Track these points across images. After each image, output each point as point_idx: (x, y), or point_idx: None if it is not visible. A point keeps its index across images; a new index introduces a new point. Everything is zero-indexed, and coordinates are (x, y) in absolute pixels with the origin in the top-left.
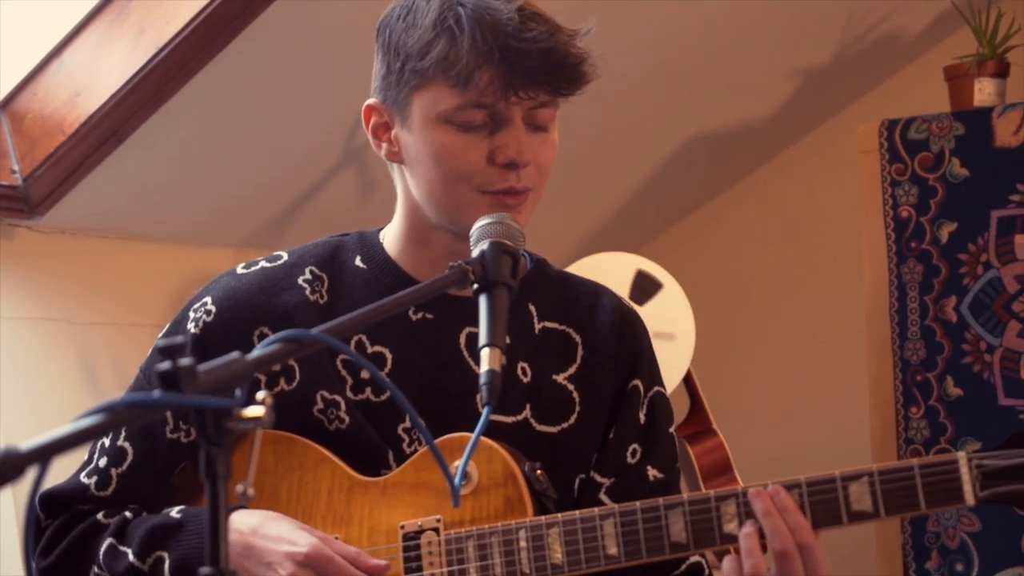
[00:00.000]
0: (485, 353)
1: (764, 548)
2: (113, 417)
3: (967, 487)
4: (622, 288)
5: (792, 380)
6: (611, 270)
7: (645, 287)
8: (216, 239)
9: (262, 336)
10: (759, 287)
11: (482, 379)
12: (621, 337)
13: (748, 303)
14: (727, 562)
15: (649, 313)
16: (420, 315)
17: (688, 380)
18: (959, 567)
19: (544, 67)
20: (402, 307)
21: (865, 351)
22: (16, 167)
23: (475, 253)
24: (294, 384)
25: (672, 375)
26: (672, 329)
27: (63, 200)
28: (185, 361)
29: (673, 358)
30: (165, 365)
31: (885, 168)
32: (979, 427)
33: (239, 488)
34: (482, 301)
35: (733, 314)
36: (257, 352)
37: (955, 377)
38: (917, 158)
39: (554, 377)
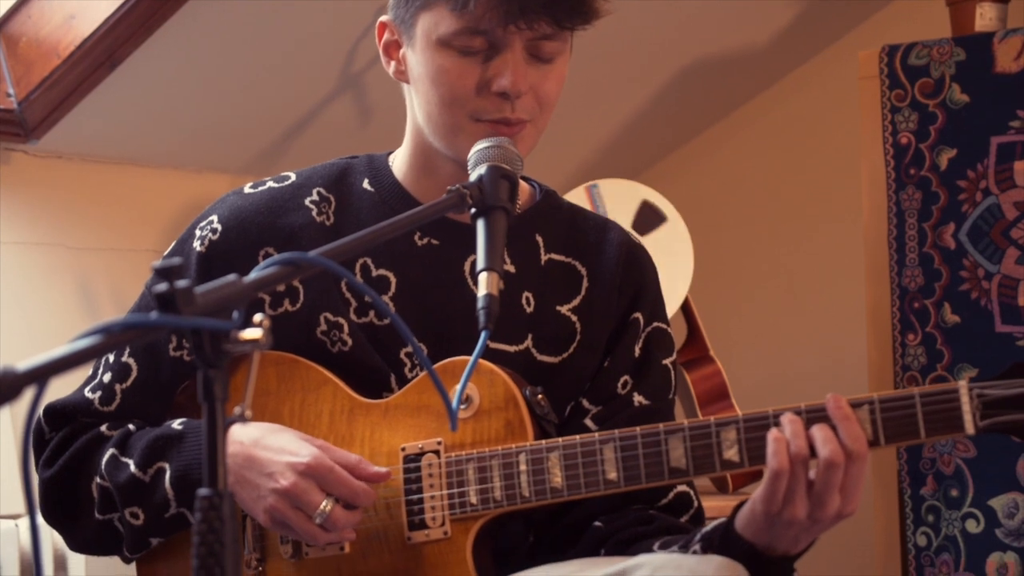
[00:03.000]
0: (483, 277)
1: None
2: (110, 338)
3: (967, 416)
4: (625, 216)
5: (790, 307)
6: (616, 197)
7: (649, 219)
8: (213, 164)
9: (267, 256)
10: (758, 214)
11: (479, 303)
12: (627, 271)
13: (746, 230)
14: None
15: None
16: (426, 240)
17: (686, 307)
18: (954, 493)
19: None
20: (400, 230)
21: (863, 278)
22: (11, 91)
23: (473, 177)
24: (298, 305)
25: (670, 300)
26: (669, 259)
27: (59, 124)
28: (182, 283)
29: (671, 284)
30: (162, 287)
31: (885, 94)
32: (976, 354)
33: (236, 410)
34: (479, 225)
35: (731, 241)
36: (254, 274)
37: (952, 304)
38: (917, 84)
39: (558, 308)
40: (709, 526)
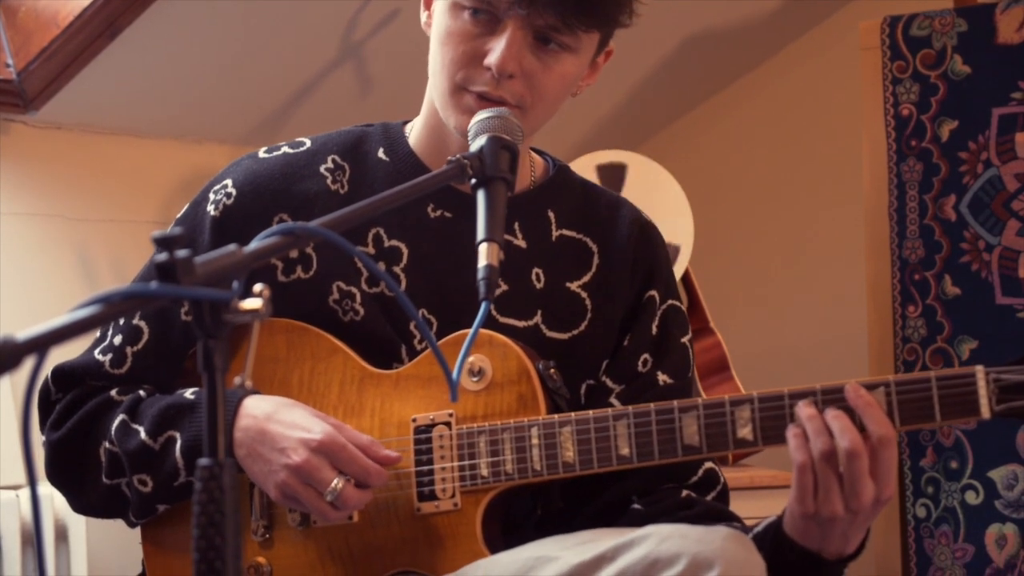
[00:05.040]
0: (483, 248)
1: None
2: (110, 308)
3: (983, 400)
4: None
5: (790, 278)
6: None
7: (612, 176)
8: (213, 135)
9: (281, 223)
10: (758, 186)
11: (479, 274)
12: (639, 248)
13: (747, 202)
14: (793, 442)
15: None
16: (439, 213)
17: (686, 278)
18: (954, 464)
19: None
20: (402, 200)
21: (864, 250)
22: (10, 61)
23: (473, 147)
24: (311, 273)
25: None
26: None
27: (58, 95)
28: (182, 252)
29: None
30: (162, 257)
31: (886, 66)
32: (976, 326)
33: (237, 380)
34: (480, 196)
35: (732, 213)
36: (254, 244)
37: (953, 276)
38: (919, 55)
39: (568, 284)
40: (760, 526)
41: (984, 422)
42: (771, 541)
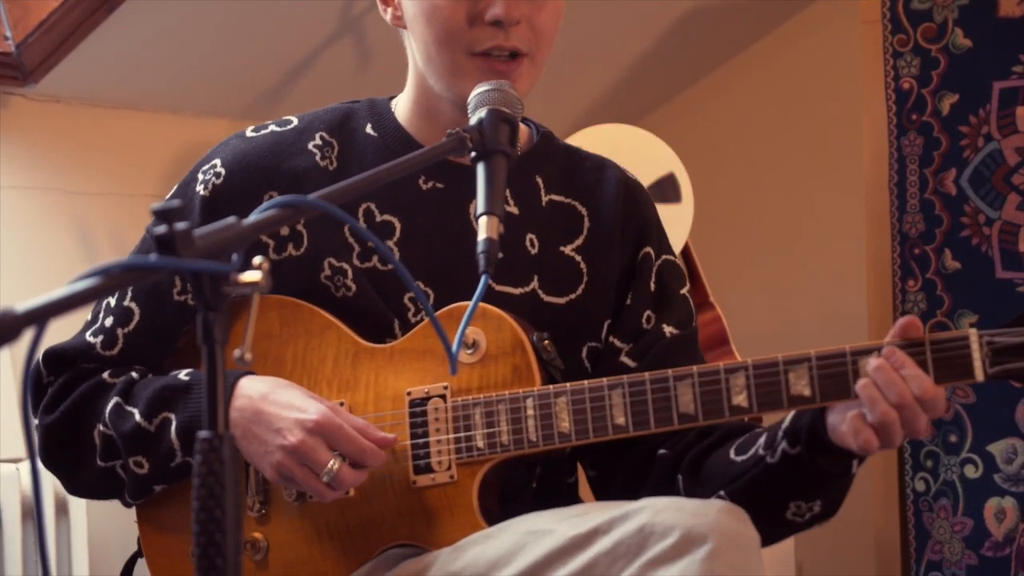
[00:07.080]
0: (483, 221)
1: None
2: (109, 280)
3: (977, 363)
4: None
5: (790, 253)
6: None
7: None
8: (212, 109)
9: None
10: (759, 160)
11: (479, 247)
12: (627, 208)
13: (747, 176)
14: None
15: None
16: (430, 184)
17: (686, 253)
18: (953, 439)
19: None
20: (400, 173)
21: (864, 224)
22: (9, 34)
23: (473, 120)
24: (302, 250)
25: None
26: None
27: (57, 68)
28: (181, 225)
29: (673, 220)
30: (161, 229)
31: (887, 39)
32: (976, 300)
33: (236, 352)
34: (480, 169)
35: (732, 187)
36: (254, 217)
37: (953, 250)
38: (920, 28)
39: (561, 248)
40: (785, 422)
41: (983, 396)
42: (806, 438)
